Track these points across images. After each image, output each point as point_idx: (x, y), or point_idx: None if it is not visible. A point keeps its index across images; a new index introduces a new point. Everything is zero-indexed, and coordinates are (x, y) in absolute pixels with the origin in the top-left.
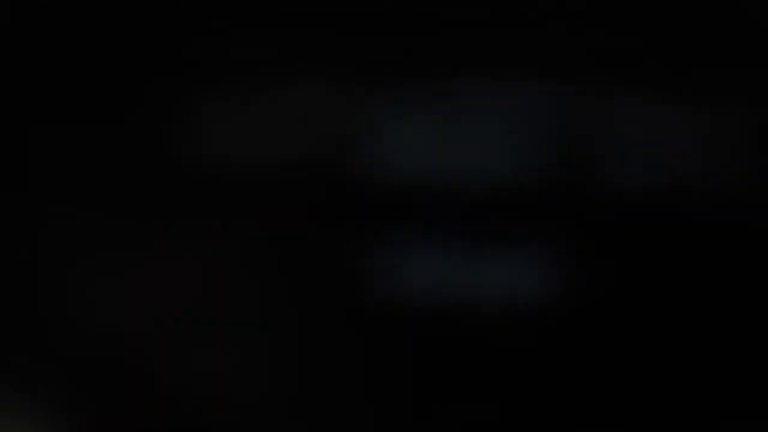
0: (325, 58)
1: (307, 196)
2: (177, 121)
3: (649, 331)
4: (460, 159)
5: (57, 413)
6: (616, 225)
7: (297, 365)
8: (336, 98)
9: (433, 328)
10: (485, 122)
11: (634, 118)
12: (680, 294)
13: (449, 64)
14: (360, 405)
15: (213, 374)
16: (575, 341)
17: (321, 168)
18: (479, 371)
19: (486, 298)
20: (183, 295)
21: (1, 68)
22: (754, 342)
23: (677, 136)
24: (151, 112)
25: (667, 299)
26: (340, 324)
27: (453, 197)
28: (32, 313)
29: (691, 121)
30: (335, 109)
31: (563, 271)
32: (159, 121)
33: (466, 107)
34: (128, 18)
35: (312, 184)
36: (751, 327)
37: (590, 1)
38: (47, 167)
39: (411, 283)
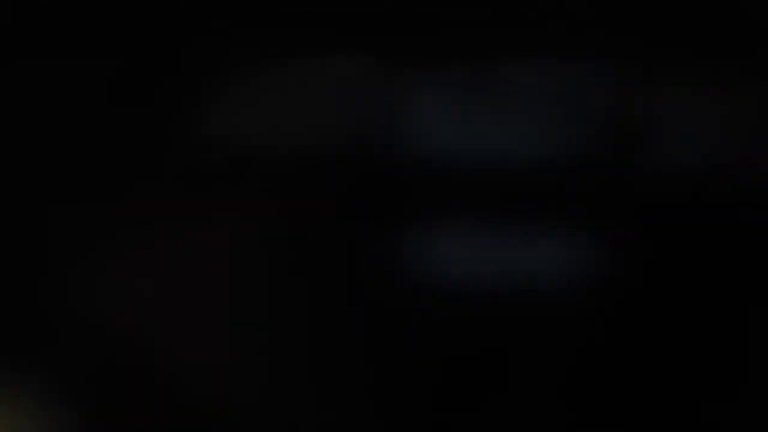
0: (356, 38)
1: (336, 180)
2: (204, 100)
3: (686, 319)
4: (494, 141)
5: (59, 412)
6: (653, 210)
7: (325, 350)
8: (367, 80)
9: (465, 313)
10: (520, 103)
11: (673, 100)
12: (715, 280)
13: (482, 45)
14: (389, 390)
15: (232, 371)
16: (610, 328)
17: (351, 151)
18: (512, 358)
19: (520, 282)
20: (203, 287)
21: (7, 64)
22: None
23: (719, 118)
24: (176, 92)
25: (703, 286)
26: (368, 310)
27: (487, 179)
28: (35, 311)
29: (733, 104)
30: (366, 91)
31: (599, 256)
32: (186, 101)
33: (500, 88)
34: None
35: (342, 168)
36: None
37: None
38: (58, 163)
39: (443, 267)
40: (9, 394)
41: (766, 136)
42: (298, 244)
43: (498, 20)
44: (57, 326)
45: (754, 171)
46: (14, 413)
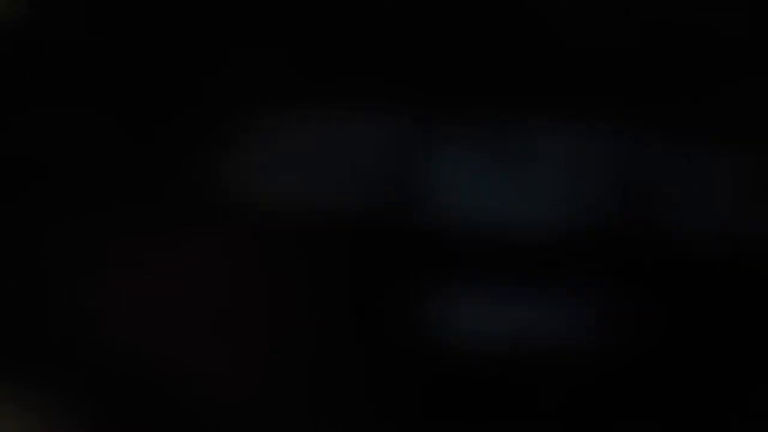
0: (381, 98)
1: (361, 241)
2: (229, 158)
3: (710, 382)
4: (518, 205)
5: (64, 416)
6: (677, 274)
7: (353, 408)
8: (393, 141)
9: (488, 376)
10: (544, 168)
11: (698, 166)
12: (730, 343)
13: (507, 108)
14: None
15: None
16: (633, 390)
17: (375, 212)
18: (536, 419)
19: (543, 346)
20: (228, 340)
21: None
22: None
23: (740, 183)
24: (205, 151)
25: (725, 349)
26: (394, 372)
27: (511, 243)
28: (41, 318)
29: (755, 168)
30: (391, 152)
31: (622, 320)
32: (215, 158)
33: (525, 152)
34: (177, 51)
35: (366, 229)
36: None
37: (653, 50)
38: (80, 180)
39: (466, 331)
40: (12, 401)
41: None
42: (316, 304)
43: (522, 86)
44: (58, 336)
45: None
46: (18, 420)
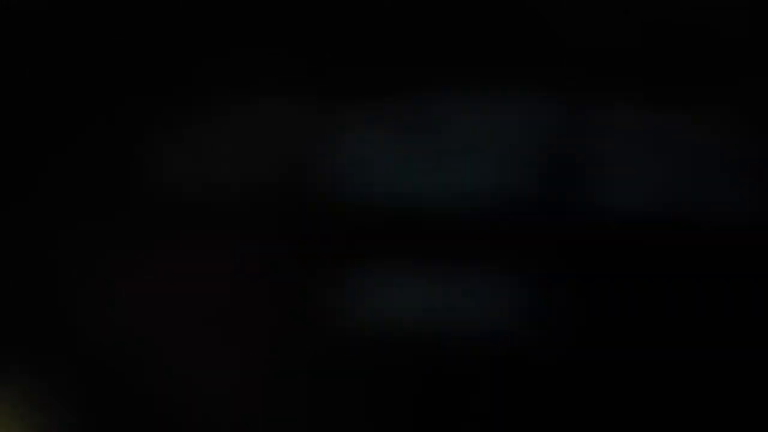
0: (297, 77)
1: (277, 220)
2: (145, 141)
3: (630, 356)
4: (436, 180)
5: (64, 415)
6: (598, 247)
7: (270, 388)
8: (308, 119)
9: (405, 353)
10: (463, 142)
11: (621, 135)
12: (663, 313)
13: (425, 81)
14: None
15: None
16: (557, 367)
17: (291, 191)
18: (455, 399)
19: (462, 323)
20: (151, 309)
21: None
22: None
23: (668, 153)
24: (122, 132)
25: (650, 320)
26: (310, 349)
27: (428, 220)
28: (40, 318)
29: (681, 137)
30: (306, 131)
31: (544, 296)
32: (128, 140)
33: (444, 125)
34: (104, 40)
35: (283, 207)
36: (747, 354)
37: (582, 13)
38: (59, 178)
39: (384, 310)
40: (11, 399)
41: (706, 178)
42: (232, 282)
43: (440, 57)
44: (58, 335)
45: (696, 213)
46: (18, 419)
